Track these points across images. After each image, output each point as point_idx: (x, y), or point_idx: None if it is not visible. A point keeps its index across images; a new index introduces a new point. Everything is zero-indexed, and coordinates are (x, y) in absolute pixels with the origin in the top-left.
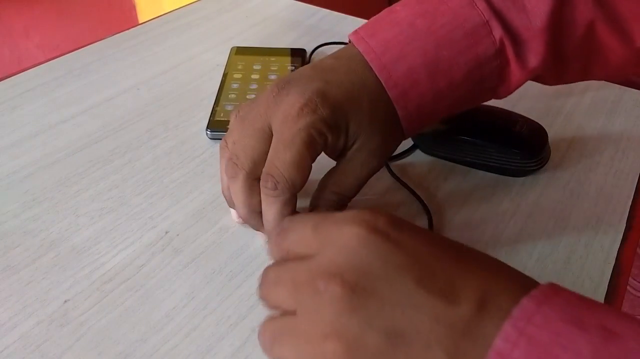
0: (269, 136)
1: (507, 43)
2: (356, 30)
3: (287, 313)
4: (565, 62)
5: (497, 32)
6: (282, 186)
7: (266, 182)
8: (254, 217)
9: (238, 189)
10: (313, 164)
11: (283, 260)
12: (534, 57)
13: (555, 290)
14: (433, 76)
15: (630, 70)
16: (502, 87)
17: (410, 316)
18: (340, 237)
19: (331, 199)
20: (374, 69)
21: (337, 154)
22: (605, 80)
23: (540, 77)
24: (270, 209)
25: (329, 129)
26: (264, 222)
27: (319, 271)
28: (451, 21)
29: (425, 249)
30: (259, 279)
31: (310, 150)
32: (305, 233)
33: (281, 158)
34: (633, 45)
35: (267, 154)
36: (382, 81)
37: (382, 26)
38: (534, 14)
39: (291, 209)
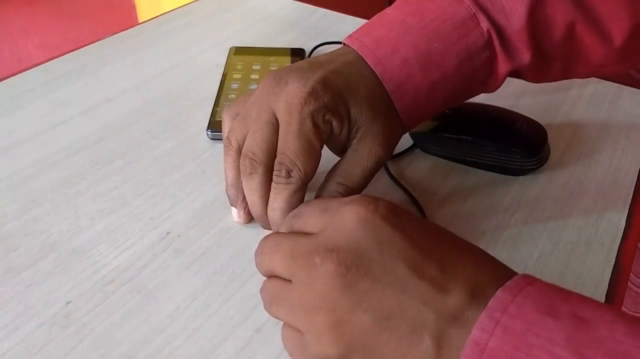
0: (277, 127)
1: (494, 36)
2: (350, 35)
3: (282, 279)
4: (547, 62)
5: (485, 24)
6: (295, 174)
7: (280, 172)
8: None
9: (257, 185)
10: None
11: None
12: (518, 53)
13: (529, 281)
14: (426, 68)
15: (612, 68)
16: (491, 79)
17: (399, 299)
18: (341, 217)
19: (336, 191)
20: (369, 63)
21: (342, 147)
22: (587, 78)
23: (522, 74)
24: (279, 196)
25: (332, 115)
26: (270, 211)
27: (317, 246)
28: (440, 16)
29: (421, 237)
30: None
31: (318, 137)
32: (314, 214)
33: (291, 148)
34: (613, 45)
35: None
36: (377, 75)
37: (374, 27)
38: (512, 14)
39: (299, 198)
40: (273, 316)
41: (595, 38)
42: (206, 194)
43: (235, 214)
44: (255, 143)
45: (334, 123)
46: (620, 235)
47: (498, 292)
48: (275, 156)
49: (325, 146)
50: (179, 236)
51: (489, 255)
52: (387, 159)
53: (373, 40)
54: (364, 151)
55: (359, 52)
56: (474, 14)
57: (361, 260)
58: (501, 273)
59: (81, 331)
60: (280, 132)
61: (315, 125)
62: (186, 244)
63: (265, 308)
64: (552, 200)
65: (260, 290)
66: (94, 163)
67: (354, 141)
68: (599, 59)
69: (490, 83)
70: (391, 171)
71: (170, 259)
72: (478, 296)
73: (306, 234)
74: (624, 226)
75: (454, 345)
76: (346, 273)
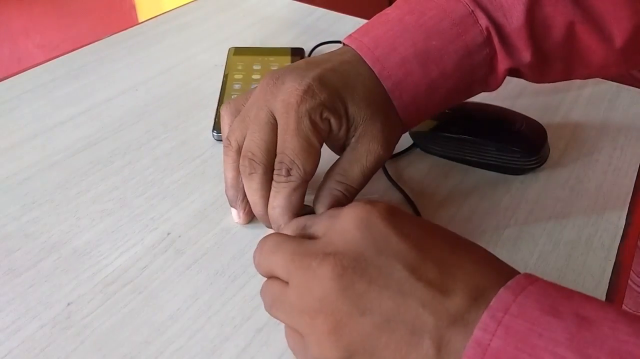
0: (275, 127)
1: (493, 33)
2: (349, 35)
3: (281, 280)
4: (547, 61)
5: (483, 21)
6: (295, 172)
7: (280, 171)
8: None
9: (257, 185)
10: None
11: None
12: (518, 51)
13: (530, 280)
14: (425, 66)
15: (613, 69)
16: (491, 77)
17: (397, 302)
18: (341, 220)
19: (336, 189)
20: (367, 61)
21: (341, 146)
22: (588, 79)
23: (523, 73)
24: (279, 194)
25: (330, 113)
26: (270, 209)
27: (316, 249)
28: (438, 14)
29: (420, 237)
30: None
31: (317, 135)
32: (321, 220)
33: (289, 147)
34: (613, 46)
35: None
36: (376, 73)
37: (373, 26)
38: (511, 12)
39: (299, 196)
40: (274, 318)
41: (595, 38)
42: (206, 194)
43: (235, 214)
44: (254, 143)
45: (332, 121)
46: (620, 234)
47: (500, 292)
48: (274, 156)
49: (325, 145)
50: (179, 236)
51: (490, 254)
52: (387, 157)
53: (371, 39)
54: (362, 150)
55: (357, 51)
56: (472, 11)
57: (358, 262)
58: (502, 272)
59: (82, 332)
60: (278, 131)
61: (313, 123)
62: (187, 244)
63: (265, 309)
64: (552, 199)
65: (260, 292)
66: (93, 164)
67: (353, 139)
68: (599, 60)
69: (490, 81)
70: (391, 171)
71: (171, 259)
72: (478, 297)
73: (310, 238)
74: (623, 224)
75: (454, 348)
76: (343, 274)
